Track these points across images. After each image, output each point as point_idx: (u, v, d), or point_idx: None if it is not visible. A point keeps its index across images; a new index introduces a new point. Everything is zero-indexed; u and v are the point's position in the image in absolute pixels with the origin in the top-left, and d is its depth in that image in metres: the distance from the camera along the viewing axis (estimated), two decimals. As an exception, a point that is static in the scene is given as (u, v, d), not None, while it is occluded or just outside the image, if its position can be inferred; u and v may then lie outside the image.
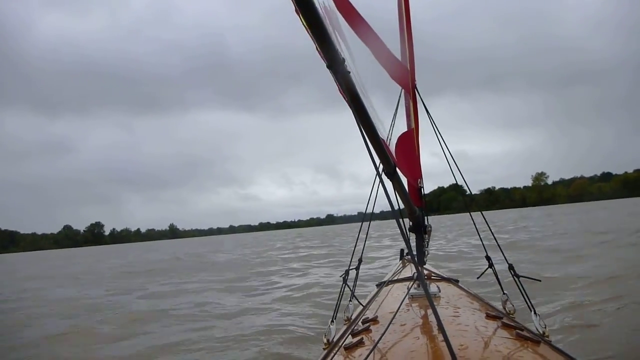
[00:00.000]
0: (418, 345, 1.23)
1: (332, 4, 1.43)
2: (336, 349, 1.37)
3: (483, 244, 2.16)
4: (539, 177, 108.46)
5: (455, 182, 2.15)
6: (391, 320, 1.41)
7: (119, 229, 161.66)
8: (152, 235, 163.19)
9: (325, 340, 1.51)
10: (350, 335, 1.45)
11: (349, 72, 1.03)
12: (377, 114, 2.04)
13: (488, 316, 1.49)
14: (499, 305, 1.81)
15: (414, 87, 1.97)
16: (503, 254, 2.07)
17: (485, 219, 2.18)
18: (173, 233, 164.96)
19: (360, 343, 1.33)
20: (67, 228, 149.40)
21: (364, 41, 1.66)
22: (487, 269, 2.10)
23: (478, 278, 2.42)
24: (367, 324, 1.53)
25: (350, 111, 1.19)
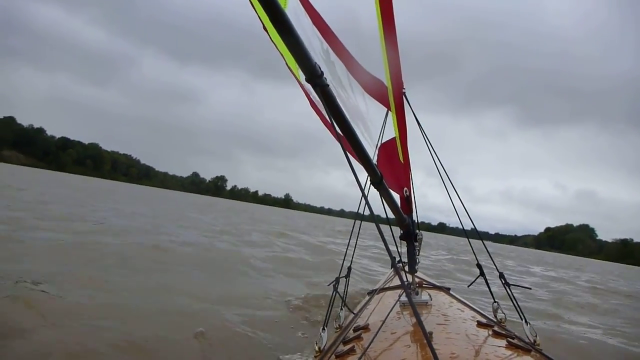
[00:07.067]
0: (408, 353, 1.23)
1: (309, 22, 1.44)
2: (327, 356, 1.36)
3: (474, 253, 2.17)
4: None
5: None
6: (379, 328, 1.40)
7: (239, 186, 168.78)
8: (267, 200, 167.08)
9: (316, 348, 1.50)
10: (341, 343, 1.45)
11: (327, 85, 1.02)
12: (366, 122, 2.02)
13: (479, 324, 1.49)
14: (490, 313, 1.81)
15: (401, 94, 1.96)
16: (494, 262, 2.08)
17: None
18: (287, 203, 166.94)
19: (351, 351, 1.33)
20: (195, 175, 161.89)
21: (342, 61, 1.67)
22: (477, 277, 2.10)
23: (469, 286, 2.42)
24: (359, 332, 1.52)
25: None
